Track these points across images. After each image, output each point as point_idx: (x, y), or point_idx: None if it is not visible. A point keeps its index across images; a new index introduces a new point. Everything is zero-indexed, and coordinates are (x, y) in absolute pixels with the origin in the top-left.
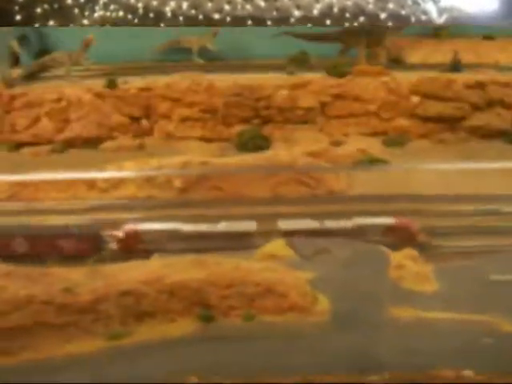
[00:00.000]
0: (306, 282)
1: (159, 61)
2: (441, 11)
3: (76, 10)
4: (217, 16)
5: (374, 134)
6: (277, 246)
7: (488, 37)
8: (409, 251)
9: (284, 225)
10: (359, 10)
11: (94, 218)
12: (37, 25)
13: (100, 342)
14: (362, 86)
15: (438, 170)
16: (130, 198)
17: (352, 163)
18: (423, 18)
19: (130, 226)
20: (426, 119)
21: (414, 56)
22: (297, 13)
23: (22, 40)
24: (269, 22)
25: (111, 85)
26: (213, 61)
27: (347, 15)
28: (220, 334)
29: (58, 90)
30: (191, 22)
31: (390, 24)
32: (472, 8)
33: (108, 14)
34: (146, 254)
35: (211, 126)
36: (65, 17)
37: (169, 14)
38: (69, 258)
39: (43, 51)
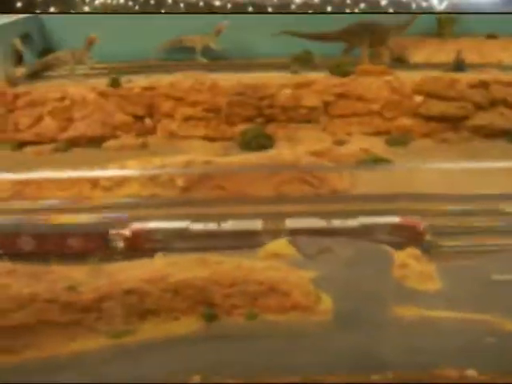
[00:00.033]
0: (309, 281)
1: (163, 60)
2: None
3: None
4: (217, 3)
5: (377, 134)
6: (280, 244)
7: (491, 36)
8: (412, 250)
9: (291, 223)
10: None
11: (100, 217)
12: (38, 11)
13: (103, 341)
14: (365, 86)
15: (440, 170)
16: (134, 197)
17: (355, 162)
18: (424, 4)
19: (137, 225)
20: (429, 118)
21: (418, 55)
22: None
23: (26, 38)
24: (269, 9)
25: (115, 84)
26: (216, 60)
27: (348, 1)
28: (223, 333)
29: (62, 88)
30: (192, 8)
31: (390, 10)
32: None
33: (109, 0)
34: (151, 252)
35: (214, 125)
36: (66, 3)
37: (169, 1)
38: (75, 256)
39: (47, 50)
